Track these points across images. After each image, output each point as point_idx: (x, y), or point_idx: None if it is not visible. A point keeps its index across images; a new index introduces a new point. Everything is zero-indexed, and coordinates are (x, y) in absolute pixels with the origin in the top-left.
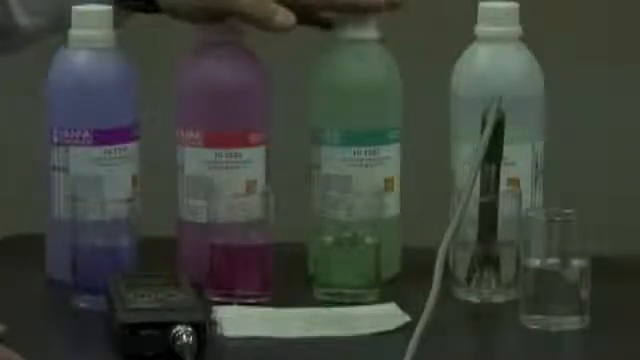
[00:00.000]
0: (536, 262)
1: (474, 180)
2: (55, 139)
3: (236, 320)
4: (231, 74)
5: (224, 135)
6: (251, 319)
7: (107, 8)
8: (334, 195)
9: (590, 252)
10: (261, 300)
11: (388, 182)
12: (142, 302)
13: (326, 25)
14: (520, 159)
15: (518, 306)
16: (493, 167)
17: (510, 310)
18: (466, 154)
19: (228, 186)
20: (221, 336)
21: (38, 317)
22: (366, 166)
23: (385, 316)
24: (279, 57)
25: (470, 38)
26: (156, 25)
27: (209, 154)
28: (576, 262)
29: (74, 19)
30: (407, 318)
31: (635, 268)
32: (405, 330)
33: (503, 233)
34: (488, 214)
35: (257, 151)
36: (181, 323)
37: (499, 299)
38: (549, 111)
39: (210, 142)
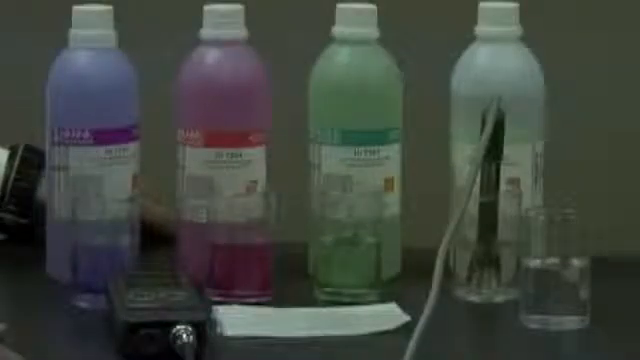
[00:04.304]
0: (536, 262)
1: (474, 180)
2: (55, 139)
3: (236, 320)
4: (231, 74)
5: (224, 135)
6: (251, 319)
7: (107, 8)
8: (334, 195)
9: (590, 252)
10: (261, 300)
11: (388, 182)
12: (142, 301)
13: None
14: (520, 159)
15: (518, 306)
16: (493, 167)
17: (510, 310)
18: (466, 154)
19: (228, 186)
20: (221, 336)
21: (38, 317)
22: (366, 166)
23: (385, 316)
24: (279, 57)
25: (470, 38)
26: (156, 25)
27: (209, 154)
28: (576, 262)
29: (74, 19)
30: (407, 318)
31: (635, 268)
32: (405, 330)
33: (503, 233)
34: (488, 214)
35: (257, 151)
36: (181, 322)
37: (499, 299)
38: (549, 111)
39: (210, 142)
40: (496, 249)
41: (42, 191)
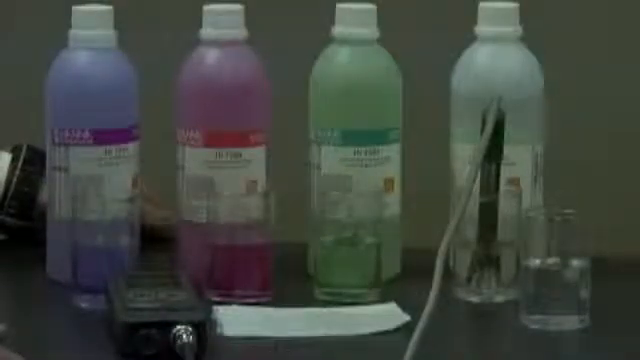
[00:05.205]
0: (536, 262)
1: (474, 180)
2: (55, 139)
3: (236, 320)
4: (231, 74)
5: (224, 135)
6: (251, 319)
7: (107, 8)
8: (334, 195)
9: (590, 252)
10: (261, 300)
11: (388, 182)
12: (142, 301)
13: None
14: (520, 159)
15: (518, 306)
16: (493, 167)
17: (510, 310)
18: (466, 154)
19: (228, 186)
20: (221, 336)
21: (38, 317)
22: (366, 166)
23: (385, 316)
24: (279, 57)
25: (470, 38)
26: (156, 25)
27: (209, 154)
28: (576, 262)
29: (74, 19)
30: (407, 318)
31: (635, 268)
32: (405, 330)
33: (503, 233)
34: (488, 214)
35: (257, 151)
36: (181, 323)
37: (499, 299)
38: (549, 111)
39: (210, 142)
40: (496, 249)
41: (44, 194)
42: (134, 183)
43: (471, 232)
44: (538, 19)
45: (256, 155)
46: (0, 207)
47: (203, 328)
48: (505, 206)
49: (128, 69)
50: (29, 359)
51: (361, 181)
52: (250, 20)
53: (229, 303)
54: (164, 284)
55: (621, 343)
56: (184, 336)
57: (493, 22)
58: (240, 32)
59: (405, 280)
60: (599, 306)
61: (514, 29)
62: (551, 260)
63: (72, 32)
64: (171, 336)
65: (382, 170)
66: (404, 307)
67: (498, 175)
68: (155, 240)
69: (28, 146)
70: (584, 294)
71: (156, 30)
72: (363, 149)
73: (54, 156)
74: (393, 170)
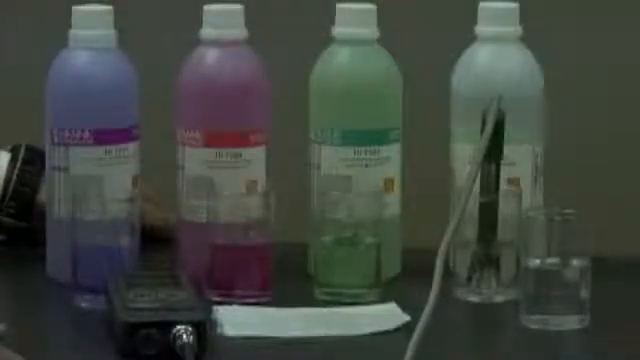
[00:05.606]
0: (536, 262)
1: (474, 180)
2: (55, 139)
3: (236, 320)
4: (231, 74)
5: (224, 135)
6: (251, 319)
7: (107, 8)
8: (334, 195)
9: (590, 252)
10: (261, 300)
11: (388, 182)
12: (142, 301)
13: None
14: (520, 159)
15: (518, 306)
16: (493, 167)
17: (510, 310)
18: (466, 154)
19: (228, 186)
20: (221, 336)
21: (38, 317)
22: (366, 166)
23: (385, 316)
24: (279, 57)
25: (470, 38)
26: (156, 25)
27: (209, 154)
28: (576, 262)
29: (74, 19)
30: (407, 318)
31: (635, 268)
32: (405, 330)
33: (503, 233)
34: (488, 214)
35: (257, 151)
36: (181, 323)
37: (499, 299)
38: (549, 111)
39: (210, 142)
40: (496, 249)
41: (43, 194)
42: (134, 183)
43: (471, 232)
44: (538, 19)
45: (256, 155)
46: None
47: (203, 328)
48: (505, 206)
49: (128, 69)
50: (29, 359)
51: (361, 181)
52: (250, 20)
53: (229, 303)
54: (164, 284)
55: (621, 343)
56: (184, 336)
57: (493, 22)
58: (240, 32)
59: (405, 280)
60: (599, 306)
61: (514, 29)
62: (551, 260)
63: (72, 32)
64: (171, 336)
65: (382, 170)
66: (404, 307)
67: (498, 175)
68: (155, 240)
69: (27, 146)
70: (584, 294)
71: (156, 30)
72: (363, 149)
73: (54, 156)
74: (393, 170)
